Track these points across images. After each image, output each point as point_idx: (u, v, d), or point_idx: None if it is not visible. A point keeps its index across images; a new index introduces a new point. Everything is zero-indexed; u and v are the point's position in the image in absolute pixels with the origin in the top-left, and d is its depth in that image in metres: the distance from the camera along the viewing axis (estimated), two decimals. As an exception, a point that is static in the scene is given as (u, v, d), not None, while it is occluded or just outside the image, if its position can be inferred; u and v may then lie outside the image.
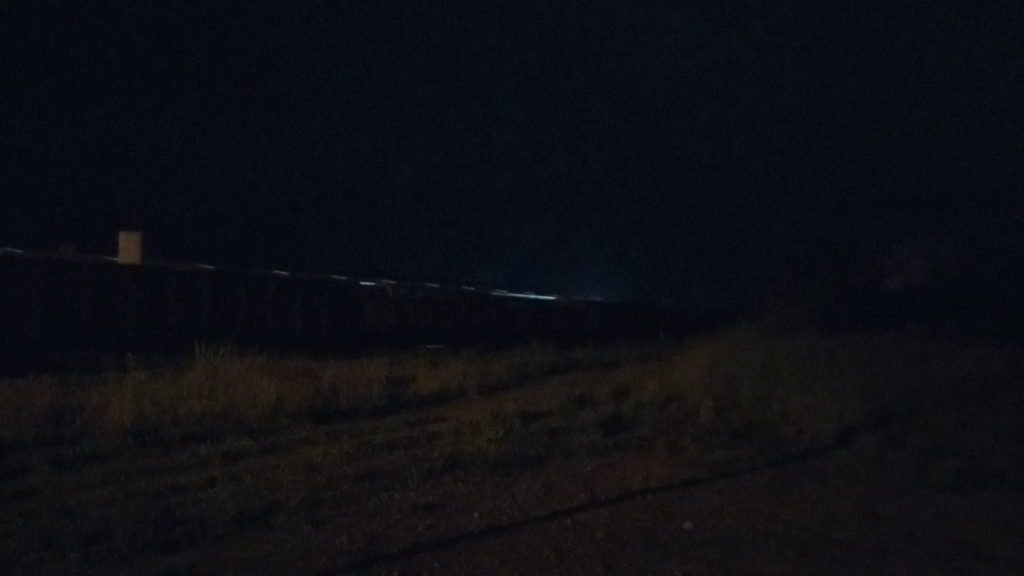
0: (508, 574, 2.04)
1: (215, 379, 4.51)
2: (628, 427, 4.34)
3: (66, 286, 7.38)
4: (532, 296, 18.34)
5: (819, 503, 2.85)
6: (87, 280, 7.59)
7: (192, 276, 8.82)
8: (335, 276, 11.12)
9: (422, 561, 2.10)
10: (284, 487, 2.79)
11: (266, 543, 2.25)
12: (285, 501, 2.68)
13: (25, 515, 2.50)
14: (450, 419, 4.49)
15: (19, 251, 7.41)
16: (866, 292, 9.73)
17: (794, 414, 4.21)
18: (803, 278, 9.58)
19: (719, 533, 2.44)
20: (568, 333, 14.32)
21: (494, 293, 16.15)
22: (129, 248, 8.32)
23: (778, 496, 2.95)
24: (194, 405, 4.14)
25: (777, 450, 3.72)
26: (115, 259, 8.29)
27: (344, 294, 11.08)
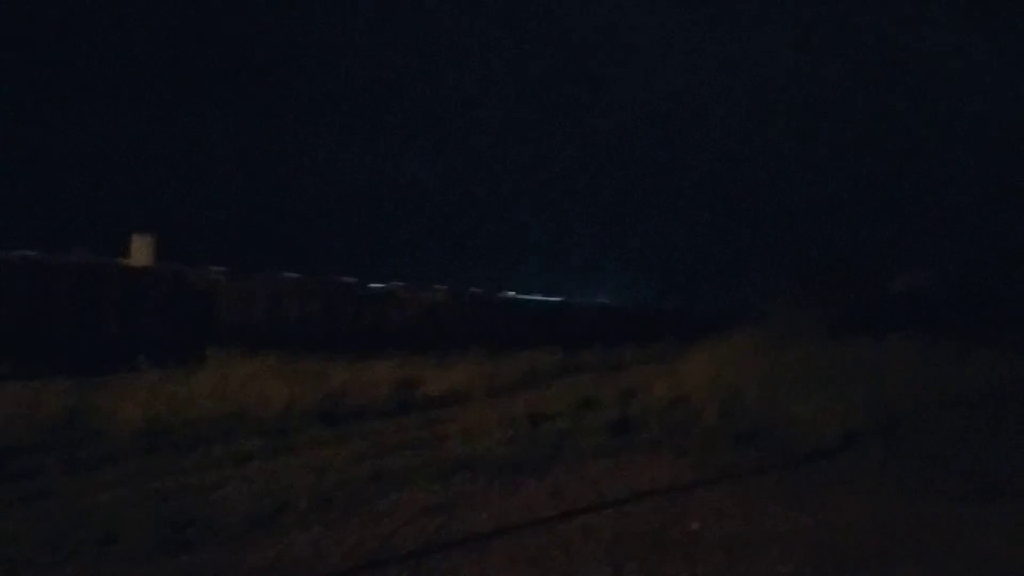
0: (517, 575, 2.06)
1: (227, 380, 4.54)
2: (635, 429, 4.34)
3: (79, 288, 7.42)
4: (539, 298, 18.31)
5: (826, 506, 2.84)
6: (99, 282, 7.63)
7: (205, 278, 8.86)
8: (345, 278, 11.12)
9: (432, 562, 2.12)
10: (295, 488, 2.81)
11: (278, 544, 2.26)
12: (296, 502, 2.70)
13: (39, 517, 2.51)
14: (458, 420, 4.50)
15: (33, 254, 7.45)
16: (872, 295, 9.71)
17: (799, 418, 4.20)
18: (808, 281, 9.56)
19: (726, 535, 2.44)
20: (575, 335, 14.30)
21: (501, 295, 16.16)
22: (142, 250, 8.35)
23: (784, 499, 2.94)
24: (206, 406, 4.16)
25: (783, 454, 3.72)
26: (128, 261, 8.33)
27: (354, 296, 11.10)
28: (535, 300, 17.97)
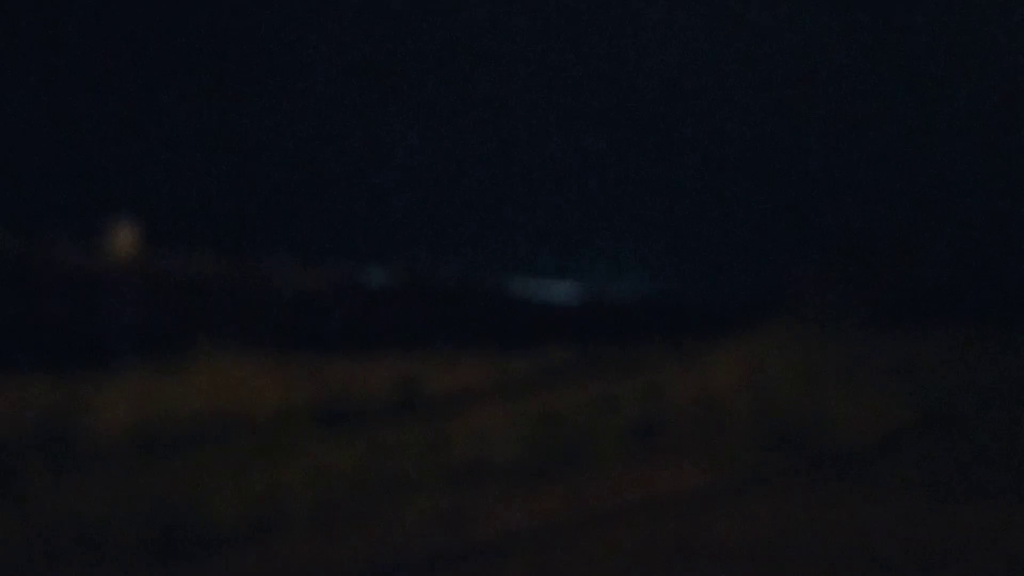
0: (534, 587, 2.05)
1: (219, 378, 4.54)
2: (658, 431, 4.30)
3: (61, 281, 7.45)
4: (553, 290, 18.31)
5: (862, 511, 2.81)
6: (81, 274, 7.66)
7: (194, 269, 8.87)
8: (344, 267, 11.15)
9: (441, 573, 2.12)
10: (293, 493, 2.79)
11: (275, 552, 2.26)
12: (295, 508, 2.67)
13: (17, 520, 2.52)
14: (467, 421, 4.48)
15: (11, 244, 7.48)
16: (908, 281, 9.63)
17: (835, 417, 4.17)
18: (840, 267, 9.48)
19: (755, 542, 2.42)
20: (592, 329, 14.30)
21: (512, 287, 16.16)
22: (125, 239, 8.38)
23: (818, 504, 2.91)
24: (197, 405, 4.16)
25: (817, 456, 3.69)
26: (111, 251, 8.36)
27: (354, 287, 11.12)
28: (548, 292, 17.95)
